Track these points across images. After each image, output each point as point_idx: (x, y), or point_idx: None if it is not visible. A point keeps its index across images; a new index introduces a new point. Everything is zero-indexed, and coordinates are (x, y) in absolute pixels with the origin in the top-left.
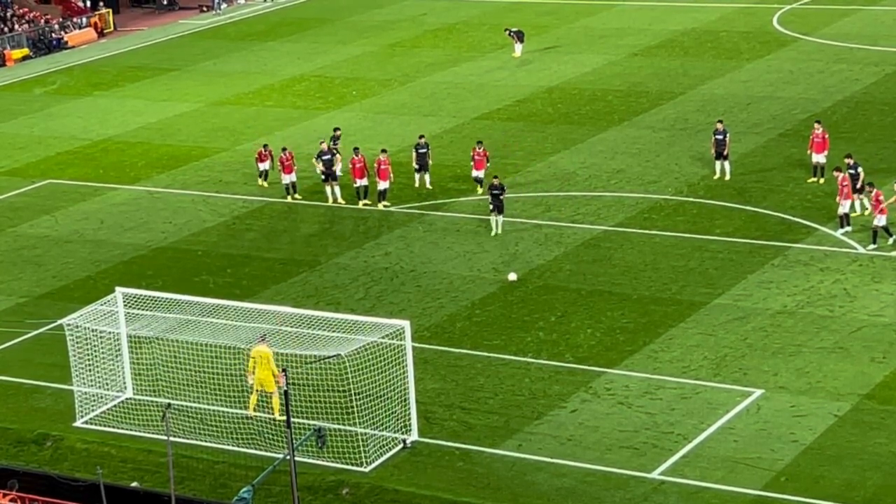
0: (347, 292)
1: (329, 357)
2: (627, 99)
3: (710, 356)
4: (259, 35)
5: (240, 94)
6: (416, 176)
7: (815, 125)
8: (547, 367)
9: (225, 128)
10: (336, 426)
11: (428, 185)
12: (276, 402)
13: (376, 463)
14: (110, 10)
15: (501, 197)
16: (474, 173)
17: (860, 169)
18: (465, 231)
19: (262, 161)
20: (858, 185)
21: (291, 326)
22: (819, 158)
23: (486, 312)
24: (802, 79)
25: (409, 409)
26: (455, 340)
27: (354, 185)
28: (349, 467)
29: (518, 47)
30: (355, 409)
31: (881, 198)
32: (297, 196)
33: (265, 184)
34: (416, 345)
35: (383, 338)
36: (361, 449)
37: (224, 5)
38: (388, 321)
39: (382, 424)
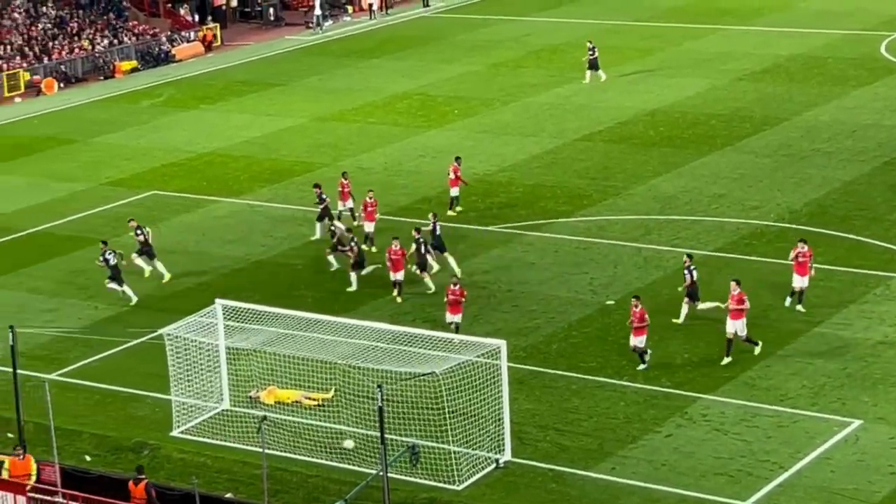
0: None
1: (424, 374)
2: (730, 123)
3: (808, 385)
4: (364, 52)
5: (343, 111)
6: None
7: None
8: (642, 390)
9: (328, 143)
10: (430, 444)
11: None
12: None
13: (469, 482)
14: (218, 25)
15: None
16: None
17: None
18: (563, 252)
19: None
20: None
21: (387, 343)
22: None
23: (582, 334)
24: None
25: (503, 428)
26: (551, 361)
27: (451, 195)
28: (442, 485)
29: (590, 74)
30: (449, 427)
31: None
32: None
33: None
34: (512, 364)
35: (479, 357)
36: (454, 467)
37: (329, 22)
38: (484, 340)
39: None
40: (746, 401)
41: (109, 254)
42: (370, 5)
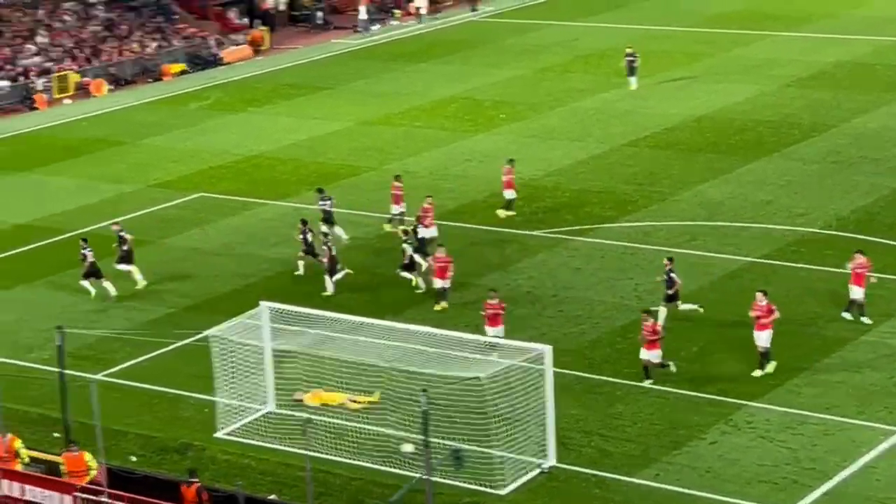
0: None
1: (468, 378)
2: (778, 130)
3: (854, 393)
4: (411, 56)
5: (390, 114)
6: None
7: None
8: (687, 397)
9: (374, 147)
10: (474, 448)
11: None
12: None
13: (512, 486)
14: (267, 28)
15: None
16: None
17: None
18: (609, 257)
19: (397, 203)
20: None
21: (432, 346)
22: None
23: (627, 340)
24: None
25: (547, 433)
26: (595, 367)
27: (506, 197)
28: (485, 489)
29: (632, 79)
30: (493, 431)
31: None
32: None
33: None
34: (557, 370)
35: (523, 361)
36: (498, 472)
37: (376, 26)
38: (529, 345)
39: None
40: (792, 408)
41: (87, 250)
42: (418, 9)
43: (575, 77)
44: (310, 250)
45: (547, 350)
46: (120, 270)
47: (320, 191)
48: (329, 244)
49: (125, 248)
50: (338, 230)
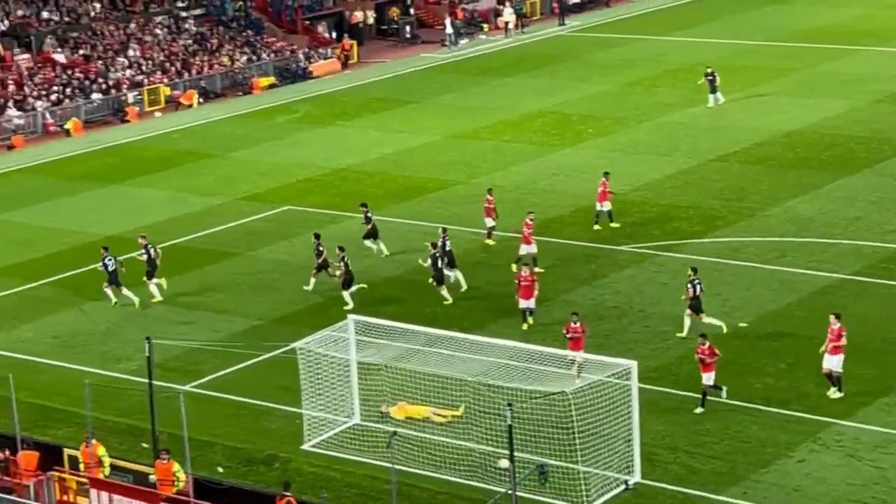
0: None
1: (554, 393)
2: (869, 146)
3: None
4: (498, 70)
5: (477, 128)
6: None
7: None
8: (775, 414)
9: (461, 161)
10: (559, 463)
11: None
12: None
13: (597, 502)
14: (355, 42)
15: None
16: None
17: None
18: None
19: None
20: None
21: (518, 361)
22: None
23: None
24: None
25: (633, 449)
26: (682, 383)
27: (598, 209)
28: None
29: (712, 98)
30: (578, 447)
31: None
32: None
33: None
34: (643, 385)
35: (609, 377)
36: (583, 487)
37: (465, 40)
38: (615, 360)
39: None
40: (882, 427)
41: (109, 259)
42: (506, 24)
43: (662, 91)
44: (322, 265)
45: (633, 365)
46: (154, 283)
47: (364, 206)
48: (346, 259)
49: (151, 260)
50: (381, 245)
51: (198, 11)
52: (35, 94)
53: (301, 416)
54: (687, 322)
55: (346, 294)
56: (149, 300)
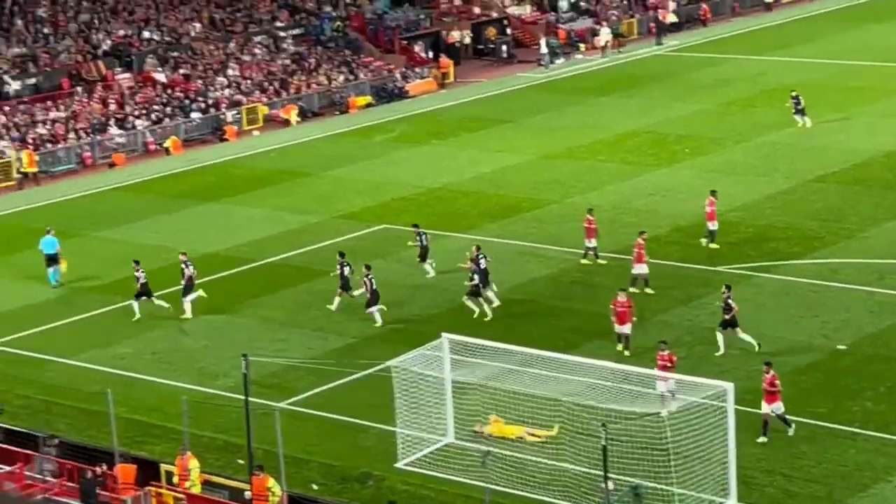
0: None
1: (649, 415)
2: None
3: None
4: (593, 90)
5: (571, 148)
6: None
7: None
8: (874, 438)
9: (556, 180)
10: (653, 484)
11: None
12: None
13: None
14: (451, 62)
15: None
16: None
17: None
18: (794, 295)
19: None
20: None
21: (612, 381)
22: None
23: (811, 378)
24: None
25: (728, 472)
26: None
27: (709, 228)
28: None
29: (799, 118)
30: (673, 468)
31: None
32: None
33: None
34: (739, 407)
35: (705, 398)
36: None
37: (561, 60)
38: (711, 381)
39: None
40: None
41: (140, 272)
42: (604, 43)
43: (760, 112)
44: (344, 285)
45: (729, 387)
46: (188, 300)
47: (416, 226)
48: (370, 278)
49: (189, 278)
50: (428, 266)
51: (296, 31)
52: (136, 112)
53: (395, 434)
54: (720, 337)
55: (372, 311)
56: (179, 315)
